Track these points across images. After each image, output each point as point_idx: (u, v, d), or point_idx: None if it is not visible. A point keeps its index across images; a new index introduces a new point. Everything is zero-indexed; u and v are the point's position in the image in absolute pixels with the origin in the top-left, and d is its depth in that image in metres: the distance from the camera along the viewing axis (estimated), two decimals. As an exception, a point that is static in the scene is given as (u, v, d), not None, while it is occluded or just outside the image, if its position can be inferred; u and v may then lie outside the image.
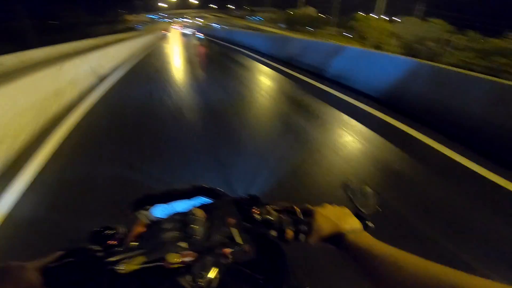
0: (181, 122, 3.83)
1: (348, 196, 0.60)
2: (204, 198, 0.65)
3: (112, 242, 0.54)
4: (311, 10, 56.77)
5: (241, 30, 22.51)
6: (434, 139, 3.33)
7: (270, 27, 42.41)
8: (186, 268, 0.48)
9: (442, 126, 3.62)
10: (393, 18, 39.39)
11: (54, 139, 3.23)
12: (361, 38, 29.74)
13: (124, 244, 0.54)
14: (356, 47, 7.34)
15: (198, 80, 6.61)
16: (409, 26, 30.39)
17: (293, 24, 46.10)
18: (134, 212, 0.62)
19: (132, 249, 0.50)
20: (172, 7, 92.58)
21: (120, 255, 0.48)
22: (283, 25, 49.65)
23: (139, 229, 0.56)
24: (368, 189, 0.61)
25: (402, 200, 2.21)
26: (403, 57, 5.01)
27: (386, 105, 4.48)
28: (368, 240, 0.49)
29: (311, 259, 1.44)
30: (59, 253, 0.50)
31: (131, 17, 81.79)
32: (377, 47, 24.65)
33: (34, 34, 26.58)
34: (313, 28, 41.96)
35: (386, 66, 4.85)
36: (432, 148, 3.15)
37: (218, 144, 3.17)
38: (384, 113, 4.17)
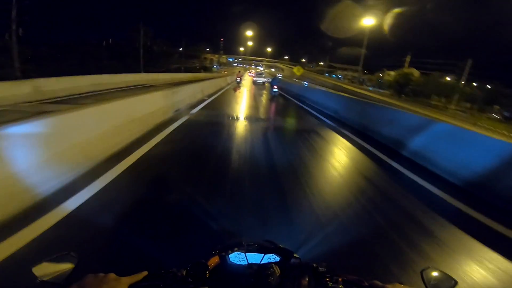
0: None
1: (423, 280, 0.61)
2: (277, 256, 0.69)
3: (200, 275, 0.61)
4: (414, 72, 46.21)
5: (318, 88, 20.48)
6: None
7: (362, 89, 38.46)
8: None
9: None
10: None
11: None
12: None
13: (206, 279, 0.61)
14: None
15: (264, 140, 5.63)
16: None
17: (403, 90, 34.98)
18: (217, 253, 0.69)
19: (213, 286, 0.60)
20: (248, 52, 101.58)
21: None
22: (378, 88, 44.51)
23: (214, 266, 0.67)
24: (447, 276, 0.62)
25: None
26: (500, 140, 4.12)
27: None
28: None
29: None
30: (145, 273, 0.60)
31: (211, 56, 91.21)
32: None
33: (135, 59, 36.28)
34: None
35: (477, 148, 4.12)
36: None
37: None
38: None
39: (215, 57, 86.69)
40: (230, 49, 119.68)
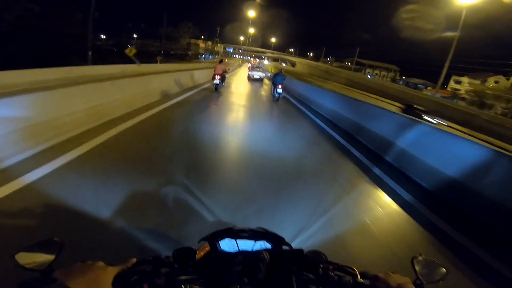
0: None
1: (414, 268, 0.62)
2: (268, 243, 0.69)
3: (187, 261, 0.61)
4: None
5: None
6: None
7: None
8: None
9: None
10: None
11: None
12: None
13: (194, 266, 0.62)
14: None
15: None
16: None
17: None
18: (206, 240, 0.69)
19: (202, 272, 0.61)
20: (249, 42, 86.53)
21: (190, 275, 0.59)
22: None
23: (205, 254, 0.68)
24: (437, 264, 0.63)
25: None
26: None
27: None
28: None
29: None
30: (134, 260, 0.61)
31: (201, 43, 74.85)
32: None
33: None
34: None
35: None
36: None
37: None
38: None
39: (204, 44, 71.08)
40: (230, 39, 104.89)
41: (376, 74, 52.06)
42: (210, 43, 77.92)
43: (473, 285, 2.08)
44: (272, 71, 24.12)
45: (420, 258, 0.64)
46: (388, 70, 55.56)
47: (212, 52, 73.71)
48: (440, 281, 0.60)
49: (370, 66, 57.41)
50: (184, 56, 42.87)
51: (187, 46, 49.55)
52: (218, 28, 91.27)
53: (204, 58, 62.94)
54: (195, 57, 50.91)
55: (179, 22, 45.63)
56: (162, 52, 35.39)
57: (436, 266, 0.63)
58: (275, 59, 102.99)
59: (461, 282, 2.08)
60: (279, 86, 10.58)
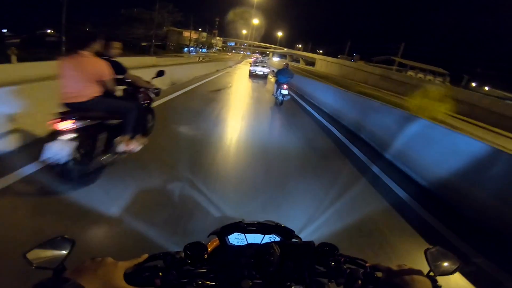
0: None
1: (427, 259, 0.59)
2: (277, 236, 0.70)
3: (198, 257, 0.60)
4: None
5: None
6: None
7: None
8: None
9: None
10: None
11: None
12: None
13: (205, 261, 0.61)
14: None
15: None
16: None
17: None
18: (215, 235, 0.69)
19: (212, 267, 0.59)
20: (251, 36, 72.46)
21: (202, 269, 0.58)
22: None
23: (214, 248, 0.70)
24: (451, 256, 0.60)
25: None
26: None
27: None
28: None
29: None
30: (145, 255, 0.60)
31: (192, 33, 61.87)
32: None
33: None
34: None
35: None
36: None
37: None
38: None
39: (198, 35, 57.22)
40: (233, 33, 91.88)
41: (420, 78, 38.85)
42: (205, 34, 64.42)
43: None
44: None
45: (433, 249, 0.60)
46: (434, 73, 42.51)
47: (205, 45, 59.79)
48: (453, 273, 0.58)
49: (412, 68, 44.17)
50: (150, 47, 29.40)
51: (165, 35, 36.11)
52: (217, 19, 77.38)
53: (195, 51, 49.31)
54: (178, 50, 37.89)
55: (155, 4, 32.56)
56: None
57: (450, 258, 0.60)
58: (281, 56, 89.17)
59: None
60: (284, 86, 8.04)
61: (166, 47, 34.71)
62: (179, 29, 44.61)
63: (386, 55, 47.12)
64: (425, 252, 0.60)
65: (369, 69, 39.45)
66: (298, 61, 78.17)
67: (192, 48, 48.91)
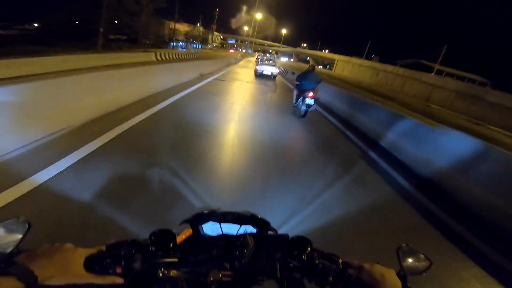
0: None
1: (398, 258, 0.59)
2: (253, 227, 0.66)
3: (165, 244, 0.57)
4: None
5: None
6: None
7: None
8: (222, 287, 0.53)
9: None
10: None
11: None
12: None
13: (174, 249, 0.58)
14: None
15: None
16: None
17: None
18: (188, 223, 0.65)
19: (182, 256, 0.57)
20: (252, 34, 65.12)
21: (169, 258, 0.56)
22: None
23: (186, 238, 0.63)
24: (422, 256, 0.60)
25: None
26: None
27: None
28: None
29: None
30: (110, 242, 0.56)
31: (189, 28, 55.59)
32: None
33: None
34: None
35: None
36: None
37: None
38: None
39: (191, 28, 49.46)
40: (233, 29, 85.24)
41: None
42: (201, 28, 57.25)
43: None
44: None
45: (405, 248, 0.61)
46: (474, 82, 34.68)
47: (197, 40, 51.99)
48: (423, 273, 0.58)
49: (450, 75, 34.25)
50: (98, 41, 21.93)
51: (145, 25, 28.43)
52: (216, 13, 70.03)
53: (184, 47, 41.92)
54: (160, 45, 30.42)
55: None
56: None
57: (421, 257, 0.60)
58: (285, 55, 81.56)
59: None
60: (310, 93, 6.17)
61: (138, 40, 27.46)
62: (168, 21, 37.41)
63: (413, 58, 39.84)
64: (397, 250, 0.60)
65: (432, 79, 26.71)
66: (305, 61, 70.90)
67: (180, 43, 41.77)
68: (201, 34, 56.55)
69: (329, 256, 0.62)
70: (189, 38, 47.74)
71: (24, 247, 0.49)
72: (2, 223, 0.50)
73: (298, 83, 6.68)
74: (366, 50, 45.25)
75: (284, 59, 69.73)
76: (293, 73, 15.46)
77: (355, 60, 42.41)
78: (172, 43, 36.22)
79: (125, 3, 23.68)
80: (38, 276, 0.44)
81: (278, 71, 15.82)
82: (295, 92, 6.79)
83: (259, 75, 15.10)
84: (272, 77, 15.23)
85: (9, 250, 0.47)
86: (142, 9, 27.30)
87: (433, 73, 30.54)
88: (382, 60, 40.35)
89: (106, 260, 0.52)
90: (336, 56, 48.90)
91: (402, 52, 43.54)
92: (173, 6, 31.47)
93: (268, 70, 15.12)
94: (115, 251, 0.54)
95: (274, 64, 16.00)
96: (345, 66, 43.45)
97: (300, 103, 6.33)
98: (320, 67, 62.12)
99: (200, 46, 53.49)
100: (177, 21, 34.77)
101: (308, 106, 6.17)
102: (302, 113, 6.29)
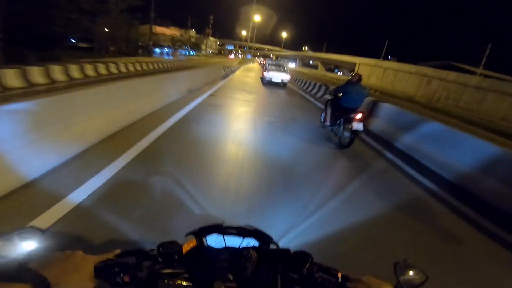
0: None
1: (396, 273, 0.60)
2: (256, 241, 0.68)
3: (172, 255, 0.60)
4: None
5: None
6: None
7: None
8: None
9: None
10: None
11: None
12: None
13: (179, 260, 0.60)
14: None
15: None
16: None
17: None
18: (193, 235, 0.67)
19: (186, 267, 0.59)
20: (250, 38, 59.66)
21: (174, 268, 0.58)
22: None
23: (191, 249, 0.65)
24: (419, 270, 0.61)
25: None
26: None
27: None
28: None
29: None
30: (117, 251, 0.60)
31: (177, 32, 49.34)
32: None
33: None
34: None
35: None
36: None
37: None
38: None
39: (183, 33, 43.55)
40: (231, 35, 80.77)
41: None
42: (193, 33, 51.84)
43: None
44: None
45: (402, 263, 0.62)
46: None
47: (186, 46, 45.88)
48: (419, 287, 0.60)
49: (487, 77, 29.58)
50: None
51: (111, 28, 22.51)
52: (211, 17, 64.74)
53: (169, 53, 36.02)
54: (132, 52, 24.74)
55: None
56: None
57: (417, 271, 0.61)
58: (290, 59, 75.43)
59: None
60: (358, 115, 4.49)
61: (95, 48, 21.43)
62: (147, 25, 31.94)
63: (441, 59, 33.84)
64: (394, 265, 0.61)
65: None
66: (312, 66, 65.10)
67: (166, 50, 36.23)
68: (193, 39, 50.97)
69: (328, 270, 0.63)
70: (175, 43, 42.06)
71: (37, 255, 0.50)
72: (16, 231, 0.51)
73: (332, 97, 5.21)
74: (384, 50, 39.28)
75: (292, 65, 64.09)
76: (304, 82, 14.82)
77: (387, 63, 33.34)
78: (156, 50, 30.62)
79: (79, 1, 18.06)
80: (51, 282, 0.46)
81: (289, 77, 14.20)
82: (329, 110, 5.22)
83: (267, 83, 13.85)
84: (281, 85, 13.86)
85: (23, 257, 0.48)
86: (110, 8, 21.64)
87: (477, 76, 23.83)
88: (401, 62, 34.26)
89: (114, 268, 0.54)
90: (356, 59, 38.74)
91: (423, 53, 37.86)
92: (151, 5, 25.79)
93: (277, 77, 13.77)
94: (123, 260, 0.56)
95: (283, 69, 14.42)
96: (372, 71, 34.47)
97: (341, 127, 4.70)
98: (338, 72, 56.35)
99: (192, 53, 47.92)
100: (157, 23, 29.30)
101: (355, 132, 4.49)
102: (347, 141, 4.67)
